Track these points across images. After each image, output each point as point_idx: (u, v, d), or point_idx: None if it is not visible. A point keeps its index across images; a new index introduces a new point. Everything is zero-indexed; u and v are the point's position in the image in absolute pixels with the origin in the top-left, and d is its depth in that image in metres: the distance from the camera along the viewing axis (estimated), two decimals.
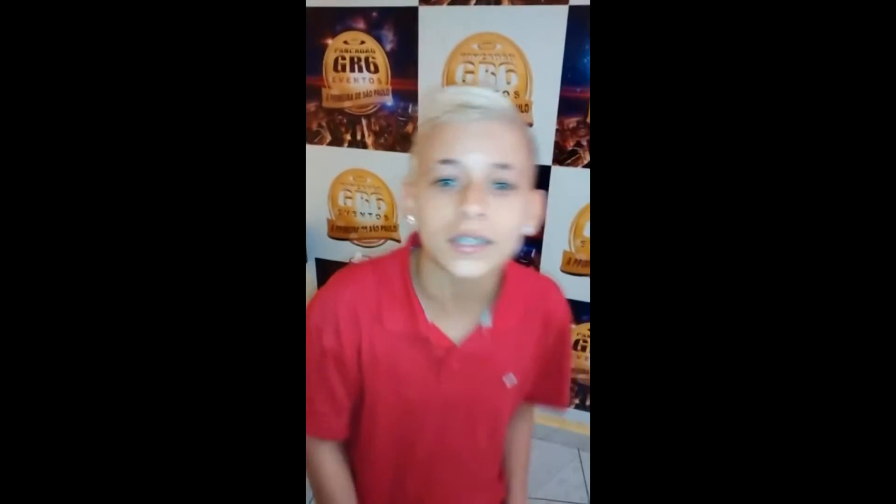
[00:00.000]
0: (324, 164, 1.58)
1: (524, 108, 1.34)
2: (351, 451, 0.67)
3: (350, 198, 1.61)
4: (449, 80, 1.36)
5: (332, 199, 1.63)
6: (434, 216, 0.47)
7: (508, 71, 1.31)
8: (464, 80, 1.35)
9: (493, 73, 1.33)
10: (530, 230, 0.52)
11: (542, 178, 1.40)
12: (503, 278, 0.58)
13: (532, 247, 1.48)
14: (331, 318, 0.57)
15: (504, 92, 1.33)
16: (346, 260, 1.68)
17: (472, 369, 0.58)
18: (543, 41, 1.26)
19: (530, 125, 1.35)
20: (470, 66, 1.34)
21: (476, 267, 0.47)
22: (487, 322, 0.57)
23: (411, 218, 0.52)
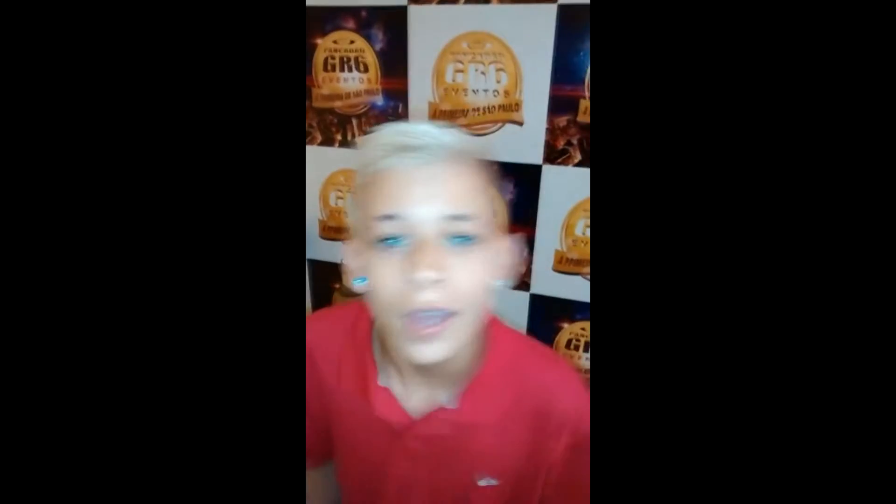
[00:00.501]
0: (315, 164, 1.57)
1: (514, 106, 1.34)
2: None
3: (341, 198, 1.61)
4: (439, 79, 1.36)
5: (324, 199, 1.63)
6: (381, 288, 0.38)
7: (498, 70, 1.31)
8: (454, 80, 1.35)
9: (482, 73, 1.32)
10: (504, 285, 0.43)
11: (533, 178, 1.40)
12: (486, 346, 0.46)
13: (524, 247, 1.48)
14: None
15: (494, 91, 1.33)
16: (338, 261, 1.68)
17: (432, 454, 0.47)
18: (533, 39, 1.26)
19: (520, 124, 1.35)
20: (460, 66, 1.33)
21: (438, 350, 0.39)
22: (453, 402, 0.45)
23: (359, 282, 0.41)
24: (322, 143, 1.54)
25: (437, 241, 0.37)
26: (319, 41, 1.42)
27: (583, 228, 1.42)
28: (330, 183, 1.60)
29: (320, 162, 1.57)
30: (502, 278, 0.43)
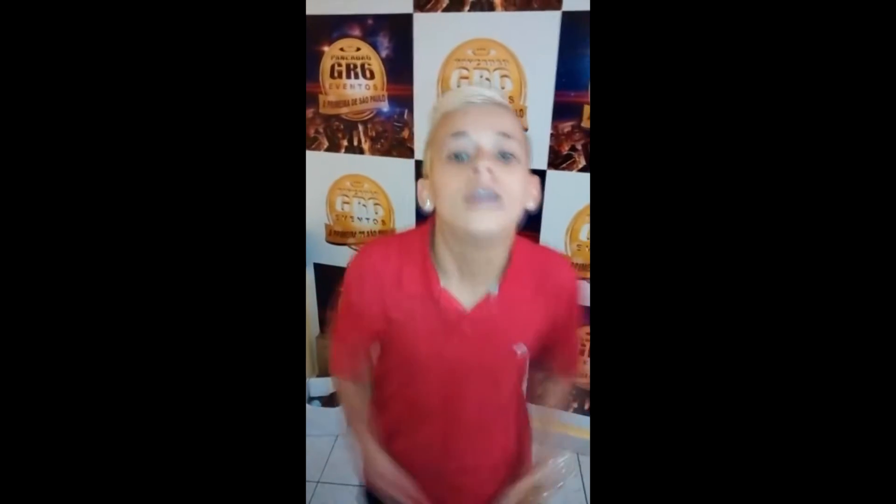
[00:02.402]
0: (321, 169, 1.59)
1: (519, 112, 1.35)
2: (374, 394, 0.76)
3: (348, 203, 1.62)
4: (444, 86, 1.37)
5: (330, 204, 1.64)
6: (450, 183, 0.53)
7: (503, 76, 1.32)
8: (458, 86, 1.36)
9: (487, 79, 1.33)
10: (532, 206, 0.58)
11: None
12: (511, 253, 0.62)
13: None
14: (356, 279, 0.66)
15: None
16: (344, 265, 1.69)
17: (481, 335, 0.62)
18: (537, 46, 1.27)
19: (525, 130, 1.36)
20: (465, 72, 1.35)
21: (489, 220, 0.52)
22: (495, 291, 0.61)
23: (429, 203, 0.59)
24: (328, 149, 1.56)
25: (491, 151, 0.52)
26: (326, 48, 1.44)
27: (587, 233, 1.42)
28: (336, 188, 1.61)
29: (327, 167, 1.59)
30: (531, 202, 0.58)
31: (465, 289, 0.61)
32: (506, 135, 0.53)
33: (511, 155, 0.53)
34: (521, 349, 0.63)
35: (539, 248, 0.68)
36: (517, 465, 0.74)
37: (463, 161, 0.52)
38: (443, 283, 0.61)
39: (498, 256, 0.60)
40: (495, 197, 0.51)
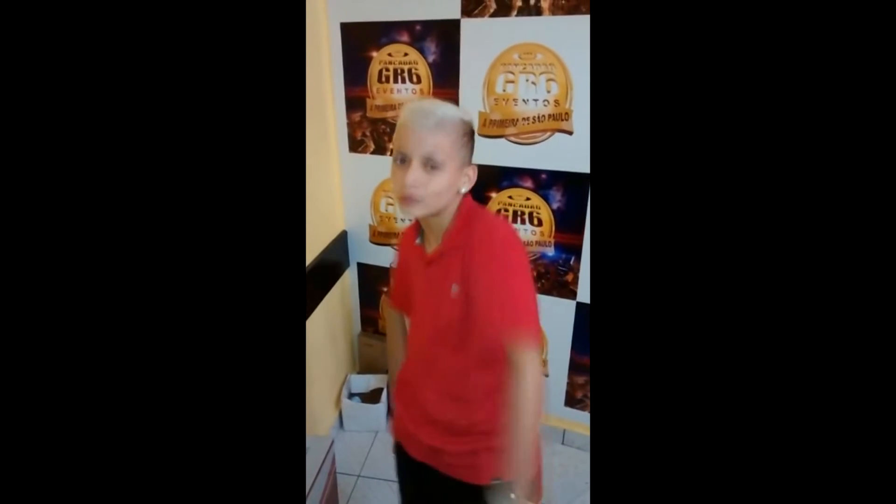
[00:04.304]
0: (367, 171, 1.63)
1: (564, 116, 1.35)
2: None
3: (392, 205, 1.66)
4: (489, 90, 1.39)
5: (375, 205, 1.68)
6: (394, 182, 0.80)
7: (549, 80, 1.33)
8: (504, 90, 1.38)
9: (533, 83, 1.34)
10: (465, 189, 0.82)
11: (581, 186, 1.40)
12: (454, 217, 0.84)
13: (572, 254, 1.49)
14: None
15: (544, 101, 1.35)
16: (387, 265, 1.73)
17: (435, 276, 0.86)
18: (584, 50, 1.27)
19: (570, 133, 1.36)
20: (510, 76, 1.36)
21: (412, 212, 0.79)
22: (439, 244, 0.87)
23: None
24: (374, 152, 1.60)
25: (418, 164, 0.76)
26: (375, 54, 1.48)
27: None
28: (381, 190, 1.65)
29: (372, 170, 1.63)
30: (463, 186, 0.82)
31: (433, 244, 0.87)
32: (430, 155, 0.75)
33: (434, 165, 0.76)
34: (454, 289, 0.82)
35: (481, 211, 0.87)
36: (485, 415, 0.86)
37: (404, 165, 0.77)
38: (419, 241, 0.90)
39: (443, 221, 0.84)
40: (416, 200, 0.76)
